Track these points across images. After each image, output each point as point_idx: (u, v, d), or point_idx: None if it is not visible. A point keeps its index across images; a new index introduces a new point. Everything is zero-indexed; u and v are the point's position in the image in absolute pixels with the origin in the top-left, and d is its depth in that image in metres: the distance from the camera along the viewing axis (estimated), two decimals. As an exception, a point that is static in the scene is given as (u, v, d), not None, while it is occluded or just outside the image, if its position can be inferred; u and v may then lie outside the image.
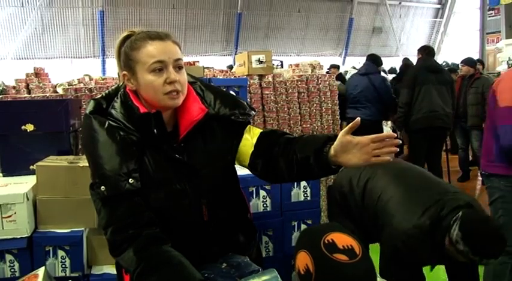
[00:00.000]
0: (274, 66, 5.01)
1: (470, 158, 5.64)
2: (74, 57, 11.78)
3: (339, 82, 5.37)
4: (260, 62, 3.61)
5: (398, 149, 1.11)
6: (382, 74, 5.65)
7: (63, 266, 1.89)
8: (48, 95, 4.23)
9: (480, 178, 4.89)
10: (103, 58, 11.93)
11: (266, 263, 1.51)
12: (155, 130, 1.22)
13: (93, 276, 1.93)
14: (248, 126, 1.37)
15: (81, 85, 4.35)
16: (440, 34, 16.35)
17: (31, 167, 2.05)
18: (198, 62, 5.59)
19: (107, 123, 1.22)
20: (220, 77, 4.69)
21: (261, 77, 3.69)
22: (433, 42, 16.35)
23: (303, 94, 3.86)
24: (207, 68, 5.51)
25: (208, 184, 1.30)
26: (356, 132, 1.12)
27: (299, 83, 3.86)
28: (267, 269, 1.23)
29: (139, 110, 1.22)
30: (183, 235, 1.27)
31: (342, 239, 1.06)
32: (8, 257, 1.84)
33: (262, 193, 2.10)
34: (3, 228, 1.81)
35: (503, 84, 2.20)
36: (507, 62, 7.01)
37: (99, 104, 1.28)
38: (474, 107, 5.09)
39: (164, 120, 1.25)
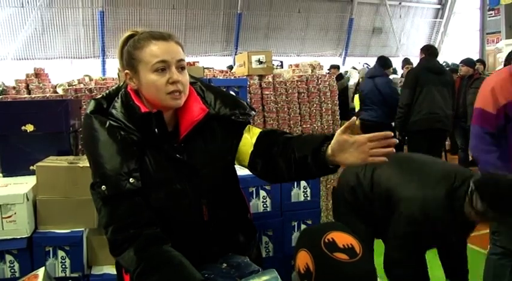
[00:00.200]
0: (274, 67, 5.02)
1: (470, 158, 5.64)
2: (74, 58, 11.78)
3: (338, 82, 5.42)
4: (260, 62, 3.61)
5: (394, 150, 1.11)
6: (393, 76, 5.68)
7: (63, 266, 1.89)
8: (48, 95, 4.23)
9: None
10: (103, 58, 11.93)
11: (266, 263, 1.51)
12: (156, 130, 1.22)
13: (93, 276, 1.93)
14: (248, 126, 1.37)
15: (81, 85, 4.35)
16: (440, 34, 16.35)
17: (31, 167, 2.05)
18: (198, 62, 5.60)
19: (107, 123, 1.22)
20: (220, 78, 4.69)
21: (261, 77, 3.69)
22: (433, 42, 16.34)
23: (303, 94, 3.86)
24: (207, 68, 5.52)
25: (208, 183, 1.30)
26: (364, 133, 1.13)
27: (299, 83, 3.86)
28: (267, 270, 1.23)
29: (141, 110, 1.22)
30: (183, 235, 1.27)
31: (342, 238, 1.06)
32: (8, 257, 1.84)
33: (262, 193, 2.10)
34: (3, 228, 1.81)
35: (482, 84, 2.25)
36: (507, 62, 7.01)
37: (99, 104, 1.28)
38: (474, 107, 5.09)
39: (165, 120, 1.25)
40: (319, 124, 3.90)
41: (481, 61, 7.35)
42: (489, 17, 13.68)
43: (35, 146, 2.14)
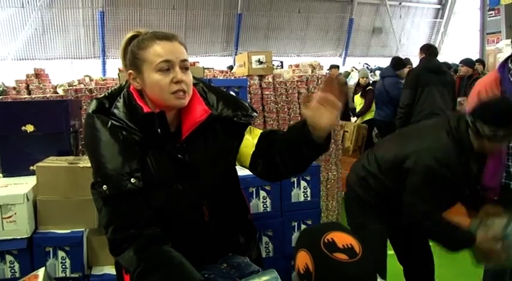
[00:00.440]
0: (274, 67, 5.02)
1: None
2: (74, 58, 11.80)
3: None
4: (260, 62, 3.61)
5: (344, 79, 1.14)
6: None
7: (64, 266, 1.89)
8: (48, 95, 4.22)
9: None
10: (103, 59, 11.95)
11: (266, 263, 1.51)
12: (159, 130, 1.23)
13: (93, 277, 1.94)
14: (249, 127, 1.37)
15: (82, 86, 4.34)
16: (440, 34, 16.36)
17: (31, 167, 2.05)
18: (198, 62, 5.59)
19: (109, 122, 1.22)
20: (221, 78, 4.69)
21: (261, 77, 3.69)
22: (433, 42, 16.34)
23: (303, 95, 3.86)
24: (207, 68, 5.50)
25: (209, 184, 1.30)
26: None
27: (299, 83, 3.85)
28: (267, 270, 1.23)
29: (143, 110, 1.23)
30: (184, 235, 1.28)
31: (342, 238, 1.06)
32: (8, 257, 1.84)
33: (262, 193, 2.10)
34: (3, 229, 1.81)
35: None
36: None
37: (101, 104, 1.28)
38: None
39: (168, 121, 1.25)
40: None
41: (481, 61, 7.34)
42: (489, 17, 13.69)
43: (35, 147, 2.15)
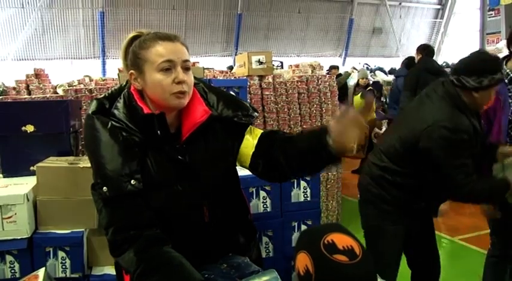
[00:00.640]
0: (274, 67, 5.02)
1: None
2: (74, 58, 11.79)
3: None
4: (260, 62, 3.61)
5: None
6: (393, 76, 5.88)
7: (64, 267, 1.89)
8: (48, 96, 4.22)
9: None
10: (103, 59, 11.94)
11: (266, 263, 1.51)
12: (158, 131, 1.23)
13: (93, 277, 1.94)
14: (249, 127, 1.37)
15: (81, 86, 4.34)
16: (440, 35, 16.35)
17: (31, 168, 2.05)
18: (198, 62, 5.60)
19: (109, 123, 1.22)
20: (221, 78, 4.69)
21: (261, 77, 3.69)
22: (433, 42, 16.34)
23: (303, 95, 3.86)
24: (207, 68, 5.50)
25: (209, 185, 1.30)
26: None
27: (299, 83, 3.86)
28: (267, 270, 1.23)
29: (143, 111, 1.23)
30: (184, 236, 1.27)
31: (342, 240, 1.06)
32: (9, 258, 1.84)
33: (262, 193, 2.10)
34: (3, 229, 1.81)
35: None
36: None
37: (101, 104, 1.28)
38: None
39: (167, 122, 1.25)
40: (319, 124, 3.89)
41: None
42: (489, 17, 13.69)
43: (35, 147, 2.15)
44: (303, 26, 14.28)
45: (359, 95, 6.16)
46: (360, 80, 6.21)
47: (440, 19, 16.29)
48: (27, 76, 5.05)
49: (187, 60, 1.24)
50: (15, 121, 2.14)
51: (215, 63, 10.11)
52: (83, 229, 1.93)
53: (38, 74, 5.13)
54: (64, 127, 2.20)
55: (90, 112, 1.26)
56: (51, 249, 1.88)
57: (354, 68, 9.98)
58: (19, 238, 1.83)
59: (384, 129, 6.07)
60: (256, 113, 1.38)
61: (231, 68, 7.69)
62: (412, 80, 4.44)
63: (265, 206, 2.12)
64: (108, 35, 11.71)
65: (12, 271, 1.85)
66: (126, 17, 11.75)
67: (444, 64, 10.22)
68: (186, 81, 1.22)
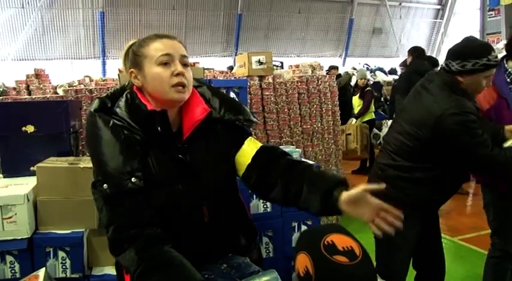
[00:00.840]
0: (275, 68, 5.02)
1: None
2: (74, 59, 11.79)
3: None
4: (260, 63, 3.61)
5: (399, 225, 1.16)
6: (393, 76, 5.80)
7: (64, 267, 1.89)
8: (48, 96, 4.22)
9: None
10: (103, 59, 11.94)
11: (266, 264, 1.51)
12: (159, 128, 1.23)
13: (93, 277, 1.94)
14: (249, 138, 1.38)
15: (82, 86, 4.35)
16: (440, 35, 16.35)
17: (31, 168, 2.05)
18: (198, 63, 5.59)
19: (111, 122, 1.23)
20: (221, 78, 4.69)
21: (261, 78, 3.69)
22: (433, 43, 16.36)
23: (303, 95, 3.86)
24: (207, 69, 5.50)
25: (209, 185, 1.30)
26: None
27: (299, 84, 3.86)
28: (267, 270, 1.23)
29: (147, 107, 1.24)
30: (184, 236, 1.28)
31: (342, 241, 1.06)
32: (9, 258, 1.84)
33: (263, 193, 2.10)
34: (3, 229, 1.81)
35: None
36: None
37: (103, 103, 1.29)
38: None
39: (169, 120, 1.26)
40: (319, 125, 3.90)
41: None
42: (489, 17, 13.69)
43: (35, 147, 2.15)
44: (303, 26, 14.29)
45: (357, 95, 6.15)
46: (359, 80, 6.20)
47: (441, 19, 16.29)
48: (28, 76, 5.06)
49: (185, 56, 1.26)
50: (15, 121, 2.14)
51: (215, 63, 10.12)
52: (83, 229, 1.93)
53: (38, 74, 5.14)
54: (64, 127, 2.20)
55: (92, 110, 1.27)
56: (51, 249, 1.88)
57: (354, 69, 9.99)
58: (19, 238, 1.83)
59: (383, 129, 6.07)
60: (255, 119, 1.41)
61: (231, 68, 7.70)
62: (404, 82, 4.49)
63: (265, 206, 2.12)
64: (108, 35, 11.71)
65: (13, 271, 1.85)
66: (126, 17, 11.75)
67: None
68: (185, 74, 1.23)
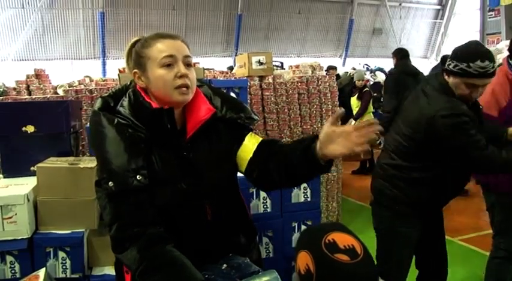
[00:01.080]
0: (275, 68, 5.03)
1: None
2: (74, 59, 11.80)
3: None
4: (260, 63, 3.61)
5: (377, 137, 1.13)
6: None
7: (64, 267, 1.89)
8: (48, 96, 4.22)
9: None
10: (103, 59, 11.95)
11: (266, 264, 1.51)
12: (169, 125, 1.24)
13: (93, 277, 1.94)
14: (250, 133, 1.38)
15: (82, 86, 4.35)
16: (440, 35, 16.36)
17: (32, 168, 2.05)
18: (198, 63, 5.60)
19: (115, 120, 1.23)
20: (221, 79, 4.69)
21: (261, 78, 3.69)
22: (434, 43, 16.37)
23: (303, 95, 3.86)
24: (208, 69, 5.51)
25: (212, 183, 1.31)
26: None
27: (299, 84, 3.86)
28: (268, 270, 1.23)
29: (152, 106, 1.24)
30: (187, 235, 1.28)
31: (343, 239, 1.06)
32: (9, 258, 1.84)
33: (263, 194, 2.10)
34: (3, 229, 1.81)
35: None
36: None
37: (106, 102, 1.30)
38: None
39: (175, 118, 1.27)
40: (319, 125, 3.90)
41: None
42: (489, 17, 13.70)
43: (35, 147, 2.15)
44: (303, 26, 14.29)
45: (355, 96, 6.15)
46: (357, 82, 6.19)
47: (441, 20, 16.30)
48: (28, 76, 5.05)
49: (188, 56, 1.26)
50: (15, 122, 2.14)
51: (215, 63, 10.12)
52: (83, 229, 1.93)
53: (39, 75, 5.13)
54: (64, 128, 2.20)
55: (96, 109, 1.28)
56: (51, 249, 1.88)
57: (354, 69, 9.98)
58: (19, 238, 1.83)
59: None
60: (256, 117, 1.41)
61: (231, 68, 7.69)
62: (392, 83, 4.64)
63: (265, 206, 2.12)
64: (109, 36, 11.72)
65: (13, 271, 1.85)
66: (126, 17, 11.76)
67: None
68: (188, 75, 1.23)
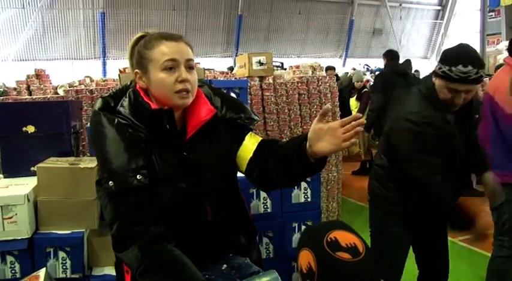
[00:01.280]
0: (275, 68, 5.04)
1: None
2: (74, 59, 11.81)
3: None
4: (261, 63, 3.62)
5: (362, 129, 1.14)
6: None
7: (64, 267, 1.89)
8: (49, 96, 4.23)
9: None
10: (104, 60, 11.96)
11: (266, 264, 1.51)
12: (168, 126, 1.24)
13: (93, 277, 1.94)
14: (250, 133, 1.38)
15: (82, 86, 4.34)
16: (440, 36, 16.36)
17: (32, 168, 2.05)
18: (198, 63, 5.58)
19: (115, 120, 1.24)
20: (221, 79, 4.69)
21: (261, 78, 3.69)
22: (434, 43, 16.37)
23: (303, 96, 3.86)
24: (208, 69, 5.51)
25: (212, 184, 1.31)
26: None
27: (299, 84, 3.86)
28: (268, 271, 1.23)
29: (151, 106, 1.24)
30: (187, 235, 1.28)
31: (345, 237, 1.06)
32: (9, 258, 1.84)
33: (263, 194, 2.10)
34: (4, 229, 1.81)
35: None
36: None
37: (107, 102, 1.30)
38: None
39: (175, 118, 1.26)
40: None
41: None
42: (489, 18, 13.70)
43: (35, 147, 2.15)
44: (304, 27, 14.30)
45: (354, 97, 6.16)
46: (355, 83, 6.20)
47: (441, 20, 16.30)
48: (28, 77, 5.05)
49: (190, 60, 1.25)
50: (16, 122, 2.14)
51: (216, 64, 10.11)
52: (83, 230, 1.93)
53: (39, 75, 5.13)
54: (65, 128, 2.20)
55: (96, 109, 1.28)
56: (51, 249, 1.88)
57: (354, 69, 9.99)
58: (20, 238, 1.83)
59: None
60: (256, 117, 1.41)
61: (231, 69, 7.68)
62: (380, 82, 4.72)
63: (265, 206, 2.12)
64: (109, 36, 11.73)
65: (13, 271, 1.85)
66: (126, 17, 11.77)
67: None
68: (190, 80, 1.23)
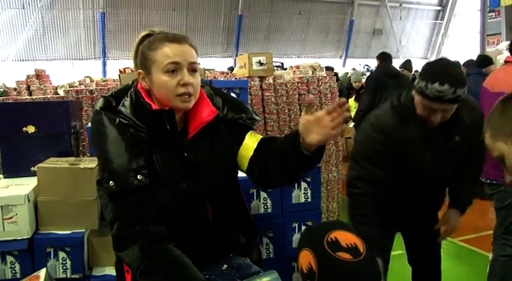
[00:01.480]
0: (275, 68, 5.04)
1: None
2: (74, 59, 11.83)
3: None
4: (261, 63, 3.62)
5: (349, 114, 1.16)
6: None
7: (64, 267, 1.89)
8: (49, 96, 4.23)
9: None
10: (104, 60, 11.98)
11: (267, 265, 1.51)
12: (168, 126, 1.24)
13: (93, 278, 1.93)
14: (250, 132, 1.38)
15: (82, 87, 4.35)
16: (440, 36, 16.38)
17: (32, 168, 2.05)
18: (199, 64, 5.58)
19: (117, 120, 1.24)
20: (221, 79, 4.69)
21: (261, 78, 3.69)
22: (434, 44, 16.38)
23: (303, 96, 3.86)
24: (208, 69, 5.51)
25: (213, 184, 1.31)
26: None
27: (300, 84, 3.86)
28: (268, 271, 1.23)
29: (152, 107, 1.24)
30: (188, 235, 1.28)
31: (346, 237, 1.05)
32: (9, 258, 1.84)
33: (263, 194, 2.10)
34: (4, 229, 1.81)
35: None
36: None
37: (108, 102, 1.30)
38: None
39: (176, 119, 1.26)
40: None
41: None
42: (489, 18, 13.71)
43: (36, 147, 2.14)
44: (304, 27, 14.31)
45: (353, 98, 6.17)
46: (354, 83, 6.22)
47: (441, 20, 16.31)
48: (28, 77, 5.06)
49: (194, 63, 1.24)
50: (16, 122, 2.14)
51: (216, 64, 10.13)
52: (83, 230, 1.93)
53: (39, 75, 5.14)
54: (65, 128, 2.20)
55: (97, 108, 1.28)
56: (51, 250, 1.88)
57: (354, 70, 9.99)
58: (20, 238, 1.82)
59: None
60: (258, 117, 1.41)
61: (231, 69, 7.69)
62: (373, 83, 4.78)
63: (265, 207, 2.11)
64: (109, 36, 11.74)
65: (13, 271, 1.85)
66: (126, 18, 11.78)
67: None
68: (192, 83, 1.22)
